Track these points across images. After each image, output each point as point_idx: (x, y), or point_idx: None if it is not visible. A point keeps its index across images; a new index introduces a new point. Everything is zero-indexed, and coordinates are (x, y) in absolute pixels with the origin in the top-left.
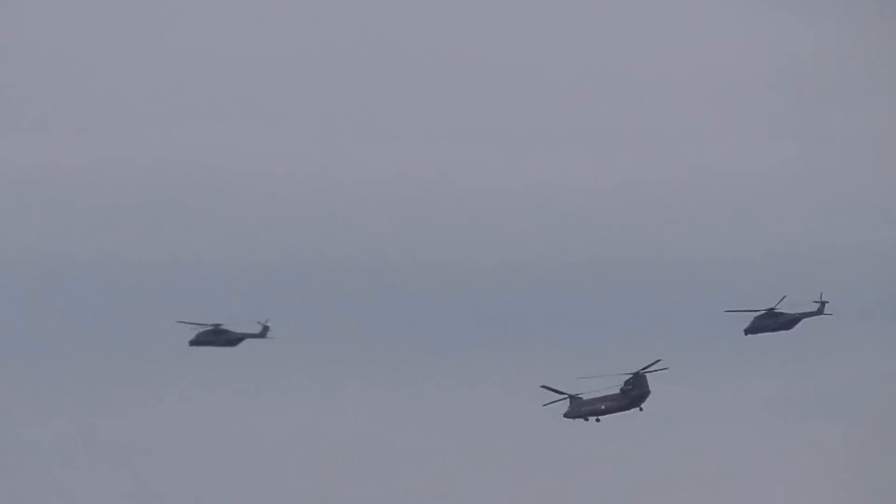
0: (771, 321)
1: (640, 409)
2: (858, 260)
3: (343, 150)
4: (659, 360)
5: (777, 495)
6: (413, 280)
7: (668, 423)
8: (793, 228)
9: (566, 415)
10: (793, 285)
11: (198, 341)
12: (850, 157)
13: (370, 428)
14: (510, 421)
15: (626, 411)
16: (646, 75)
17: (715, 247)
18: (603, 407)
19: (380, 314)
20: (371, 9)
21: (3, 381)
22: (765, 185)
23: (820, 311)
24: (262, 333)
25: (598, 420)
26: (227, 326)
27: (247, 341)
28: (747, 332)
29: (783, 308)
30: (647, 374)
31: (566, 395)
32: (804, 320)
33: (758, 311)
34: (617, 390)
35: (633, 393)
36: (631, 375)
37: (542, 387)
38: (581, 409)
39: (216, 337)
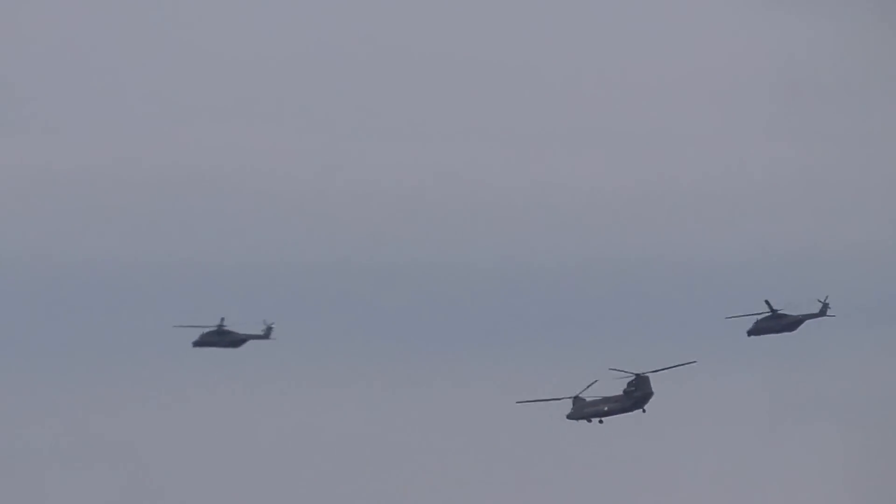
0: (774, 323)
1: (643, 411)
2: (858, 260)
3: (344, 150)
4: (694, 362)
5: (780, 497)
6: (416, 281)
7: (671, 424)
8: (792, 228)
9: (569, 416)
10: (793, 286)
11: (201, 342)
12: (851, 157)
13: (374, 428)
14: (512, 422)
15: (629, 413)
16: (645, 76)
17: (717, 247)
18: (606, 408)
19: (383, 315)
20: (372, 8)
21: (5, 382)
22: (764, 185)
23: (823, 313)
24: (266, 334)
25: (601, 421)
26: (230, 327)
27: (250, 342)
28: (750, 333)
29: (786, 310)
30: (651, 375)
31: (634, 375)
32: (807, 322)
33: (759, 313)
34: (620, 392)
35: (636, 394)
36: (634, 377)
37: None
38: (584, 410)
39: (220, 338)
